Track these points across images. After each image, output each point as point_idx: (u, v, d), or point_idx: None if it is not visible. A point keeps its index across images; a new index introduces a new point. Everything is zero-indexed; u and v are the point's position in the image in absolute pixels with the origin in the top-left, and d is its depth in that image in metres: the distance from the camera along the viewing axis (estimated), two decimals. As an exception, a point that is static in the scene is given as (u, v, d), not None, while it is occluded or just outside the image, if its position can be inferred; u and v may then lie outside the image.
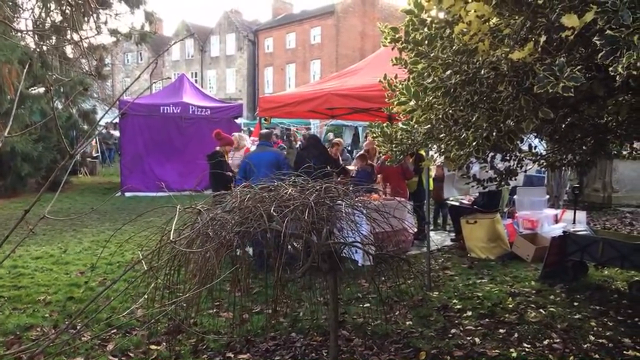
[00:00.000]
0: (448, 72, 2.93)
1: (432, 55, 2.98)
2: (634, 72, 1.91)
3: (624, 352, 3.89)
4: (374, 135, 4.71)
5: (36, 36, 8.41)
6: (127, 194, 13.13)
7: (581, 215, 7.77)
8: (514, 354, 3.86)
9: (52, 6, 8.53)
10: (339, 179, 5.33)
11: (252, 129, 21.77)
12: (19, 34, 8.05)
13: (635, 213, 10.52)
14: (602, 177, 11.36)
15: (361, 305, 4.85)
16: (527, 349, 3.96)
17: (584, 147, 4.49)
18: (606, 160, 10.11)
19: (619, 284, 5.66)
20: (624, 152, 5.16)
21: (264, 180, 3.68)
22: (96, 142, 21.04)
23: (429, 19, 3.01)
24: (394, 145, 4.25)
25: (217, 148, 8.25)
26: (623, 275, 5.84)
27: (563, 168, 5.96)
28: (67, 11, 8.04)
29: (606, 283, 5.70)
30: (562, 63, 2.18)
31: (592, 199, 11.40)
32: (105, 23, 12.87)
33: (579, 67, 2.18)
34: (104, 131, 22.16)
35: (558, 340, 4.11)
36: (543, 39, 2.35)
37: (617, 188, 11.42)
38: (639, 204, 11.40)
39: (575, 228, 6.62)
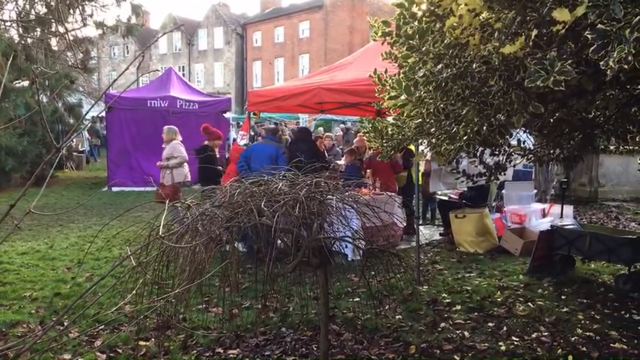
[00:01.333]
0: (439, 66, 2.92)
1: (423, 49, 2.97)
2: (625, 66, 1.91)
3: (611, 344, 3.94)
4: (365, 130, 4.70)
5: (20, 28, 8.26)
6: (114, 189, 13.00)
7: (568, 209, 7.85)
8: (503, 348, 3.89)
9: (37, -2, 8.38)
10: (327, 173, 5.33)
11: (241, 123, 21.65)
12: (3, 25, 7.90)
13: (621, 207, 10.66)
14: (588, 171, 11.49)
15: (351, 300, 4.86)
16: (515, 342, 3.99)
17: (571, 142, 4.52)
18: (592, 155, 10.23)
19: (605, 277, 5.73)
20: (611, 147, 5.21)
21: (261, 171, 3.67)
22: (82, 137, 20.77)
23: (419, 13, 2.99)
24: (384, 141, 4.24)
25: (206, 142, 8.18)
26: (609, 269, 5.91)
27: (550, 163, 6.01)
28: (52, 3, 7.91)
29: (593, 276, 5.76)
30: (553, 57, 2.18)
31: (578, 193, 11.53)
32: (91, 15, 12.65)
33: (569, 62, 2.18)
34: (96, 125, 21.94)
35: (546, 333, 4.15)
36: (534, 33, 2.35)
37: (603, 182, 11.56)
38: (624, 198, 11.56)
39: (562, 222, 6.68)
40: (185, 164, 8.30)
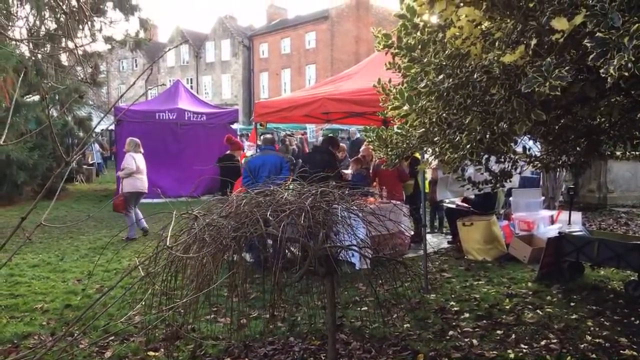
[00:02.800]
0: (441, 76, 2.95)
1: (425, 59, 3.01)
2: (625, 74, 1.93)
3: (621, 351, 3.91)
4: (370, 139, 4.73)
5: (31, 44, 8.42)
6: (124, 201, 13.10)
7: (577, 216, 7.81)
8: (512, 355, 3.88)
9: (47, 14, 8.56)
10: (334, 182, 5.36)
11: (248, 134, 21.77)
12: (14, 42, 8.06)
13: (631, 213, 10.57)
14: (597, 177, 11.41)
15: (359, 309, 4.86)
16: (524, 350, 3.97)
17: (577, 148, 4.52)
18: (600, 161, 10.17)
19: (615, 284, 5.69)
20: (618, 153, 5.20)
21: (268, 182, 3.72)
22: (91, 150, 20.98)
23: (421, 24, 3.03)
24: (389, 149, 4.27)
25: (228, 152, 8.35)
26: (619, 275, 5.87)
27: (558, 169, 5.98)
28: (62, 19, 8.07)
29: (602, 283, 5.72)
30: (548, 63, 2.20)
31: (587, 199, 11.45)
32: (100, 30, 12.91)
33: (567, 68, 2.20)
34: (100, 138, 22.16)
35: (555, 340, 4.13)
36: (534, 42, 2.37)
37: (612, 188, 11.47)
38: (634, 204, 11.46)
39: (571, 229, 6.65)
40: (138, 174, 8.43)
